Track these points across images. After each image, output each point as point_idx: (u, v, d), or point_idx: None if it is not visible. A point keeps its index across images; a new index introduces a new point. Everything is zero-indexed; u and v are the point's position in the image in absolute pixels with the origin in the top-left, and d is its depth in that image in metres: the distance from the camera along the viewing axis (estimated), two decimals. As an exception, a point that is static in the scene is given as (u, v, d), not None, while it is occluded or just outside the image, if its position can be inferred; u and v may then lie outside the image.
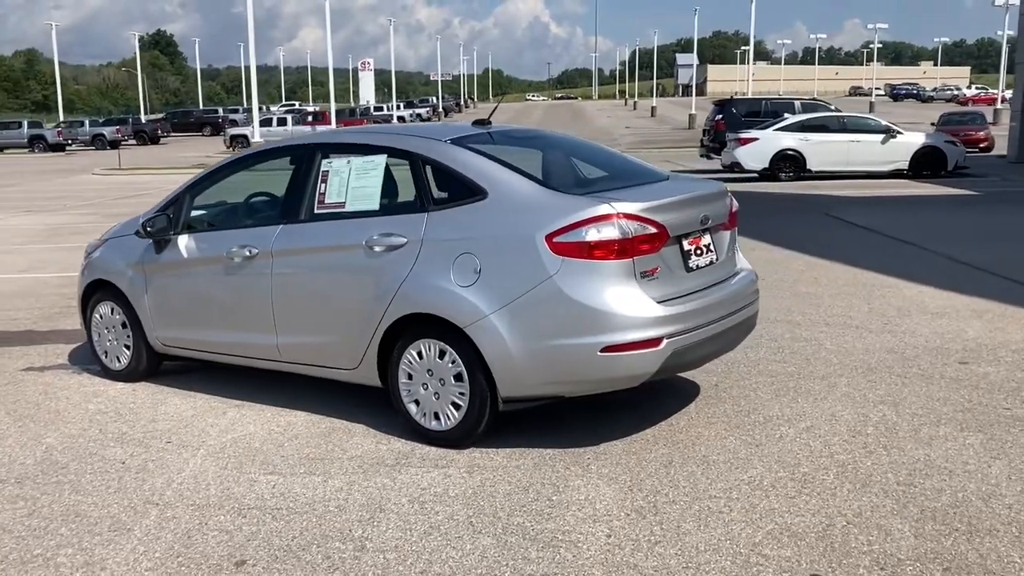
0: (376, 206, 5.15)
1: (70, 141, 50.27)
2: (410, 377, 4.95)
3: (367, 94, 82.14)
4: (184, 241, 5.90)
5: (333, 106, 44.23)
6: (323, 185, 5.36)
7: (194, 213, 6.07)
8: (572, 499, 4.20)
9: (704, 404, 5.47)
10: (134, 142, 52.46)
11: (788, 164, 21.38)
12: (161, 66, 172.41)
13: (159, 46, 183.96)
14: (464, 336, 4.68)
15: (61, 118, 60.59)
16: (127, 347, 6.32)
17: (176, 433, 5.30)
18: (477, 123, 5.59)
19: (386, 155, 5.22)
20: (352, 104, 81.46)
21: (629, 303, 4.49)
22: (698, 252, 4.94)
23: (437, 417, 4.88)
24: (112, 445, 5.12)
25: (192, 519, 4.12)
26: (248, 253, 5.49)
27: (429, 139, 5.16)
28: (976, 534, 3.73)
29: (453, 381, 4.78)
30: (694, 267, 4.89)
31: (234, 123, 57.23)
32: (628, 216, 4.53)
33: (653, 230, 4.60)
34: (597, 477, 4.43)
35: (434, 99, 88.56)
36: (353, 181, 5.25)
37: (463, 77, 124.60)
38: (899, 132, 21.62)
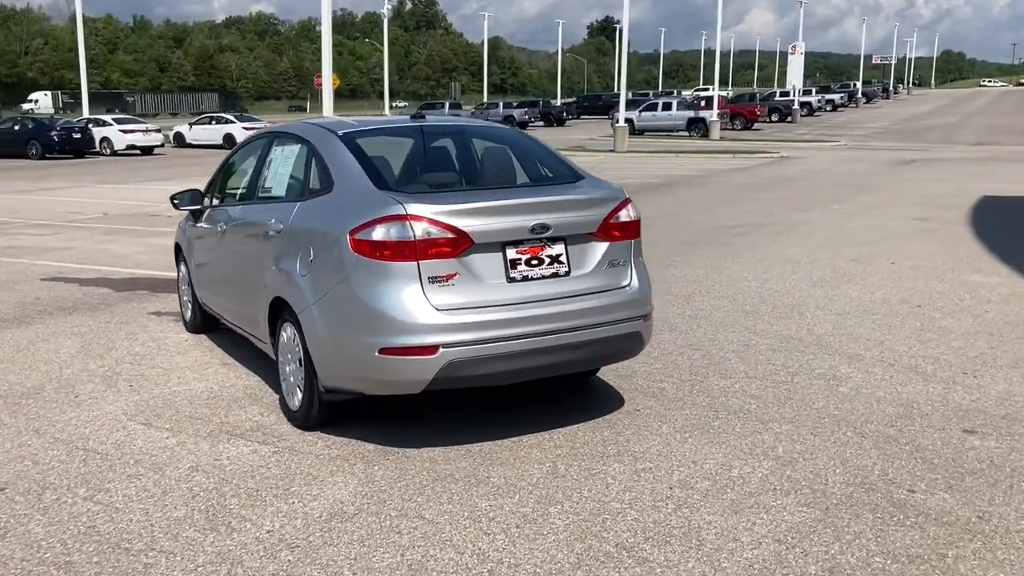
0: (283, 192, 5.48)
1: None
2: (282, 356, 5.23)
3: (795, 78, 79.79)
4: (205, 215, 6.70)
5: (716, 91, 43.87)
6: (267, 171, 5.80)
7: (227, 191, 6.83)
8: (307, 492, 4.25)
9: (591, 428, 5.04)
10: (541, 123, 56.50)
11: None
12: (605, 51, 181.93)
13: (605, 32, 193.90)
14: (299, 321, 4.87)
15: (484, 99, 66.94)
16: (189, 302, 7.32)
17: (148, 380, 6.10)
18: (414, 117, 5.66)
19: (300, 145, 5.50)
20: (776, 88, 79.73)
21: (406, 307, 4.37)
22: (532, 263, 4.59)
23: (293, 396, 5.13)
24: (95, 382, 6.05)
25: (34, 448, 4.85)
26: (220, 228, 6.12)
27: (328, 132, 5.33)
28: (591, 615, 3.19)
29: (298, 365, 4.99)
30: (519, 277, 4.56)
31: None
32: (420, 218, 4.38)
33: (450, 235, 4.40)
34: (361, 478, 4.40)
35: (855, 84, 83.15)
36: (280, 168, 5.63)
37: (893, 60, 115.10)
38: None
